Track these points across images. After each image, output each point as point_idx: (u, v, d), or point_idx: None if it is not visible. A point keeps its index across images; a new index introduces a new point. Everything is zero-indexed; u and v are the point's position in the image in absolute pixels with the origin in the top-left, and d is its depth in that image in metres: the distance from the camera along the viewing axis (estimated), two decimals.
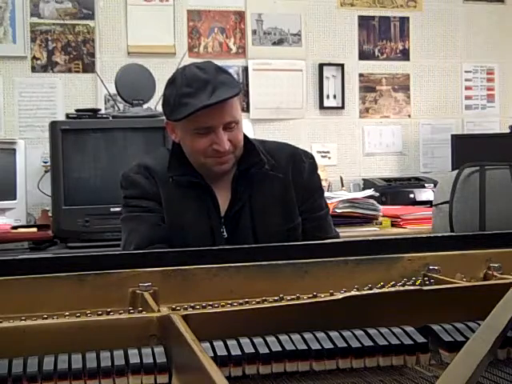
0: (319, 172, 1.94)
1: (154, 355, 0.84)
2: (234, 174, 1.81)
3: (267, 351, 0.85)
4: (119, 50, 3.73)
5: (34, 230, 3.00)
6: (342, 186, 3.83)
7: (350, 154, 4.10)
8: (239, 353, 0.85)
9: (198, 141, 1.74)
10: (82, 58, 3.66)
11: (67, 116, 3.21)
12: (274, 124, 3.97)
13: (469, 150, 3.84)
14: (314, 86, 4.03)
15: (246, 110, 3.92)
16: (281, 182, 1.83)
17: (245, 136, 1.82)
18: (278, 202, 1.83)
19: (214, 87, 1.69)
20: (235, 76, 3.89)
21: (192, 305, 1.06)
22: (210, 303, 1.07)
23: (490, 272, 1.20)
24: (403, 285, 1.16)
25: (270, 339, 0.87)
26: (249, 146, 1.82)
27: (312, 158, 1.92)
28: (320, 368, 0.87)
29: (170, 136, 1.85)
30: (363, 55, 4.14)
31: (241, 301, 1.07)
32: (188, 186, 1.81)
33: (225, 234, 1.79)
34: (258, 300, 1.07)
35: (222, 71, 1.76)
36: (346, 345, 0.88)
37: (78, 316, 0.99)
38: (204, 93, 1.68)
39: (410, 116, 4.22)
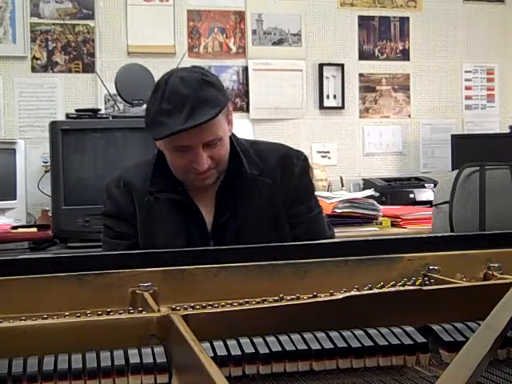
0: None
1: (153, 355, 0.84)
2: (218, 185, 1.75)
3: (267, 351, 0.85)
4: (119, 50, 3.73)
5: (34, 229, 3.00)
6: (342, 186, 3.83)
7: (350, 154, 4.10)
8: (239, 353, 0.85)
9: (177, 158, 1.68)
10: (82, 58, 3.66)
11: (67, 116, 3.21)
12: (274, 124, 3.97)
13: (469, 149, 3.84)
14: (313, 85, 4.03)
15: (246, 110, 3.92)
16: (268, 188, 1.76)
17: (232, 143, 1.75)
18: (265, 211, 1.76)
19: (192, 107, 1.59)
20: (235, 76, 3.89)
21: (192, 305, 1.06)
22: (210, 303, 1.07)
23: (490, 272, 1.20)
24: (403, 285, 1.16)
25: (270, 339, 0.87)
26: (234, 156, 1.75)
27: (304, 159, 1.84)
28: (320, 368, 0.87)
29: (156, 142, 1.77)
30: (363, 55, 4.14)
31: (241, 301, 1.07)
32: (170, 203, 1.75)
33: None
34: (258, 300, 1.07)
35: (207, 84, 1.64)
36: (345, 345, 0.88)
37: (78, 316, 0.99)
38: (181, 113, 1.58)
39: (410, 116, 4.22)
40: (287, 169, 1.79)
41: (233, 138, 1.79)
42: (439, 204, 2.79)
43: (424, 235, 1.39)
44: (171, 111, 1.60)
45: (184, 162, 1.68)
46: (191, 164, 1.67)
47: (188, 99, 1.60)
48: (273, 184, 1.77)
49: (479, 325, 0.89)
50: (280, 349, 0.86)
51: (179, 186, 1.75)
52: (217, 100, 1.64)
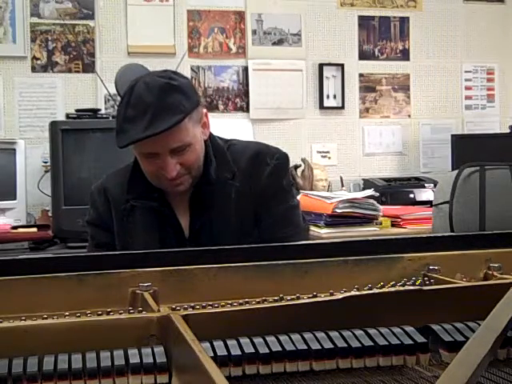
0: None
1: (153, 355, 0.84)
2: (191, 192, 1.73)
3: (267, 351, 0.85)
4: (119, 50, 3.73)
5: (34, 229, 3.00)
6: (342, 185, 3.83)
7: (350, 154, 4.10)
8: (239, 353, 0.85)
9: (147, 165, 1.66)
10: (82, 57, 3.66)
11: (67, 116, 3.22)
12: (274, 124, 3.97)
13: (469, 149, 3.84)
14: (313, 85, 4.03)
15: (246, 110, 3.92)
16: (237, 190, 1.72)
17: (206, 147, 1.72)
18: (236, 215, 1.72)
19: (153, 114, 1.55)
20: (235, 76, 3.89)
21: (192, 305, 1.06)
22: (210, 303, 1.07)
23: (490, 272, 1.19)
24: (403, 285, 1.16)
25: (270, 339, 0.87)
26: (206, 161, 1.72)
27: (279, 158, 1.77)
28: (320, 368, 0.87)
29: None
30: (363, 55, 4.14)
31: (241, 301, 1.07)
32: (146, 210, 1.73)
33: None
34: (258, 300, 1.07)
35: (173, 89, 1.60)
36: (346, 345, 0.88)
37: (78, 316, 0.99)
38: (142, 121, 1.55)
39: (410, 116, 4.22)
40: (257, 169, 1.74)
41: (210, 140, 1.76)
42: (439, 204, 2.79)
43: (424, 235, 1.38)
44: (134, 118, 1.58)
45: (154, 168, 1.65)
46: (161, 170, 1.64)
47: (150, 106, 1.57)
48: (242, 186, 1.73)
49: (479, 325, 0.89)
50: (280, 349, 0.86)
51: (156, 193, 1.73)
52: (180, 106, 1.59)
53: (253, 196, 1.73)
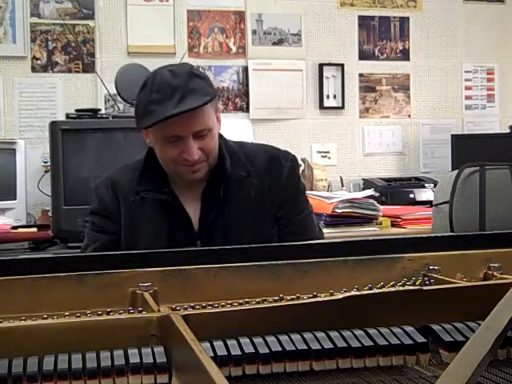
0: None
1: (153, 355, 0.84)
2: (204, 186, 1.76)
3: (267, 351, 0.85)
4: (119, 50, 3.73)
5: (34, 229, 3.00)
6: (342, 186, 3.83)
7: (350, 154, 4.10)
8: (239, 353, 0.85)
9: (167, 149, 1.69)
10: (82, 57, 3.66)
11: (67, 116, 3.21)
12: (274, 124, 3.97)
13: (469, 149, 3.84)
14: (313, 85, 4.03)
15: (246, 110, 3.92)
16: (256, 189, 1.76)
17: (219, 144, 1.76)
18: (253, 211, 1.76)
19: (182, 95, 1.61)
20: (235, 76, 3.89)
21: (192, 305, 1.06)
22: (210, 303, 1.07)
23: (490, 272, 1.19)
24: (403, 285, 1.16)
25: (270, 339, 0.87)
26: (220, 157, 1.76)
27: (293, 160, 1.85)
28: (320, 368, 0.87)
29: (144, 139, 1.79)
30: (363, 55, 4.14)
31: (241, 301, 1.07)
32: (156, 203, 1.76)
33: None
34: (258, 300, 1.07)
35: (196, 76, 1.67)
36: (346, 345, 0.88)
37: (78, 316, 0.99)
38: (171, 101, 1.61)
39: (410, 116, 4.22)
40: (276, 170, 1.80)
41: (221, 139, 1.80)
42: (439, 204, 2.79)
43: (424, 235, 1.38)
44: (161, 100, 1.62)
45: (175, 154, 1.68)
46: (182, 155, 1.67)
47: (178, 89, 1.62)
48: (260, 185, 1.77)
49: (479, 325, 0.89)
50: (280, 349, 0.86)
51: (166, 187, 1.77)
52: (206, 90, 1.67)
53: (272, 196, 1.78)
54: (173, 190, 1.78)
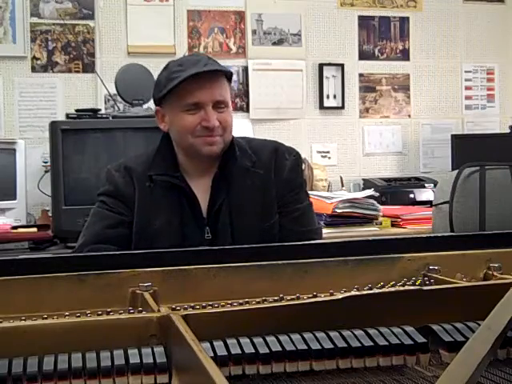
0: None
1: (153, 355, 0.84)
2: (214, 172, 1.82)
3: (267, 351, 0.85)
4: (119, 50, 3.73)
5: (34, 229, 3.00)
6: (342, 186, 3.83)
7: (350, 154, 4.10)
8: (239, 353, 0.85)
9: (186, 119, 1.75)
10: (82, 57, 3.66)
11: (67, 116, 3.21)
12: (274, 124, 3.97)
13: (469, 150, 3.84)
14: (313, 85, 4.03)
15: (246, 110, 3.92)
16: (261, 178, 1.84)
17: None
18: (257, 199, 1.83)
19: (205, 63, 1.74)
20: (235, 76, 3.89)
21: (192, 305, 1.06)
22: (210, 303, 1.07)
23: (490, 272, 1.20)
24: (403, 285, 1.16)
25: (270, 339, 0.87)
26: (230, 146, 1.83)
27: (296, 155, 1.92)
28: (320, 368, 0.87)
29: (159, 126, 1.85)
30: (363, 55, 4.14)
31: (241, 301, 1.07)
32: (167, 189, 1.81)
33: (209, 235, 1.79)
34: (258, 300, 1.07)
35: (214, 60, 1.80)
36: (345, 345, 0.88)
37: (78, 316, 0.99)
38: (195, 66, 1.72)
39: (410, 116, 4.22)
40: (279, 162, 1.87)
41: None
42: (439, 204, 2.79)
43: (424, 235, 1.39)
44: (184, 69, 1.73)
45: (194, 123, 1.75)
46: (201, 123, 1.74)
47: (202, 59, 1.78)
48: (265, 175, 1.84)
49: (479, 325, 0.89)
50: (280, 349, 0.86)
51: (178, 172, 1.82)
52: (224, 68, 1.81)
53: (276, 185, 1.85)
54: (184, 177, 1.82)
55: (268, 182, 1.84)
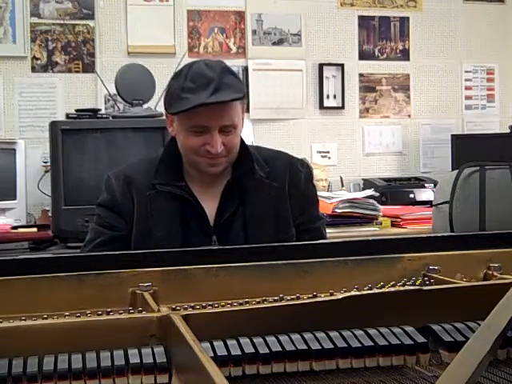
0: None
1: (153, 355, 0.84)
2: (227, 181, 1.79)
3: (267, 351, 0.85)
4: (119, 50, 3.73)
5: (34, 229, 3.00)
6: (342, 186, 3.83)
7: (350, 154, 4.10)
8: (239, 353, 0.85)
9: (191, 139, 1.71)
10: (82, 57, 3.66)
11: (67, 116, 3.21)
12: (274, 124, 3.97)
13: (469, 150, 3.84)
14: (313, 85, 4.03)
15: (246, 110, 3.91)
16: (276, 190, 1.81)
17: (242, 142, 1.80)
18: (272, 211, 1.80)
19: (216, 87, 1.66)
20: None
21: (192, 305, 1.06)
22: (210, 303, 1.07)
23: (490, 272, 1.20)
24: (403, 285, 1.16)
25: (270, 339, 0.87)
26: (244, 154, 1.80)
27: (308, 167, 1.92)
28: (320, 368, 0.87)
29: (168, 129, 1.82)
30: (363, 55, 4.14)
31: (241, 301, 1.07)
32: (170, 198, 1.78)
33: (216, 243, 1.76)
34: (258, 300, 1.07)
35: (230, 73, 1.72)
36: (345, 345, 0.88)
37: (78, 316, 0.99)
38: (205, 91, 1.65)
39: (410, 116, 4.22)
40: (294, 175, 1.85)
41: (241, 139, 1.83)
42: (439, 204, 2.79)
43: (424, 235, 1.38)
44: (195, 89, 1.67)
45: (198, 144, 1.71)
46: (205, 146, 1.70)
47: (212, 81, 1.66)
48: (279, 188, 1.81)
49: (479, 325, 0.89)
50: (280, 349, 0.86)
51: (182, 181, 1.79)
52: (239, 87, 1.72)
53: (292, 200, 1.83)
54: (189, 185, 1.80)
55: (283, 195, 1.82)
